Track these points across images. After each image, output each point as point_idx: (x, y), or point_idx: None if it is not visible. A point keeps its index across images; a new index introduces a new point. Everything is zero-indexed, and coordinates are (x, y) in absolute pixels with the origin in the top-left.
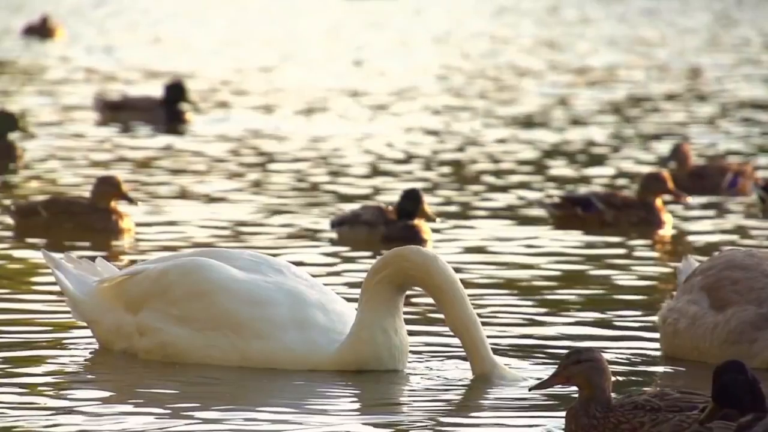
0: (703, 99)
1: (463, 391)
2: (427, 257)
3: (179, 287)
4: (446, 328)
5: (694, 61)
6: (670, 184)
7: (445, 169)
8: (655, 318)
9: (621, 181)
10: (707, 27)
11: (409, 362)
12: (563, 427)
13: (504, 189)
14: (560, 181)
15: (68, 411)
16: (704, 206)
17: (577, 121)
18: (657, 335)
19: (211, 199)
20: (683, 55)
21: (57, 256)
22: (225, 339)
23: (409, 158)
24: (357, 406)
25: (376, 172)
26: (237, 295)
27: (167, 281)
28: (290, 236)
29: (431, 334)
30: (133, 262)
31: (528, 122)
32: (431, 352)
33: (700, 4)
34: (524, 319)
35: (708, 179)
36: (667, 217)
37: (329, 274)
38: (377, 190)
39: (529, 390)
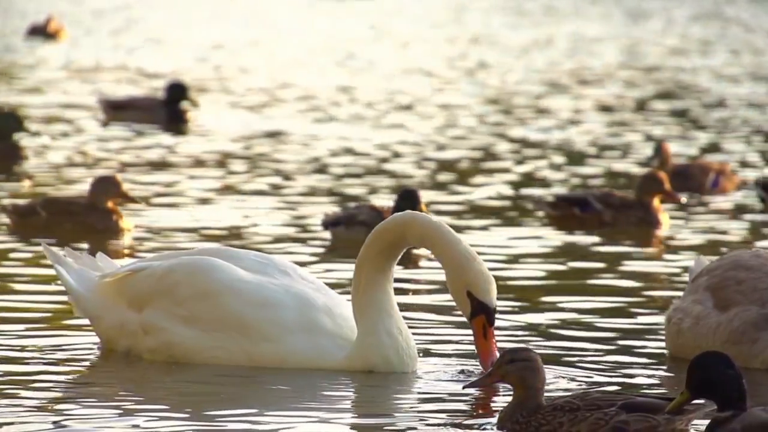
0: (680, 97)
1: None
2: (399, 217)
3: (185, 287)
4: (452, 328)
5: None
6: (667, 185)
7: (441, 170)
8: (655, 317)
9: (602, 181)
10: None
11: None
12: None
13: (501, 189)
14: (553, 180)
15: (69, 410)
16: (699, 206)
17: (567, 120)
18: (657, 334)
19: (208, 199)
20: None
21: (58, 250)
22: (232, 340)
23: (403, 158)
24: (362, 409)
25: (369, 171)
26: (245, 297)
27: (173, 280)
28: (286, 236)
29: (437, 333)
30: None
31: (523, 121)
32: (440, 352)
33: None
34: (523, 318)
35: (692, 179)
36: (664, 217)
37: (326, 273)
38: (371, 190)
39: (463, 388)
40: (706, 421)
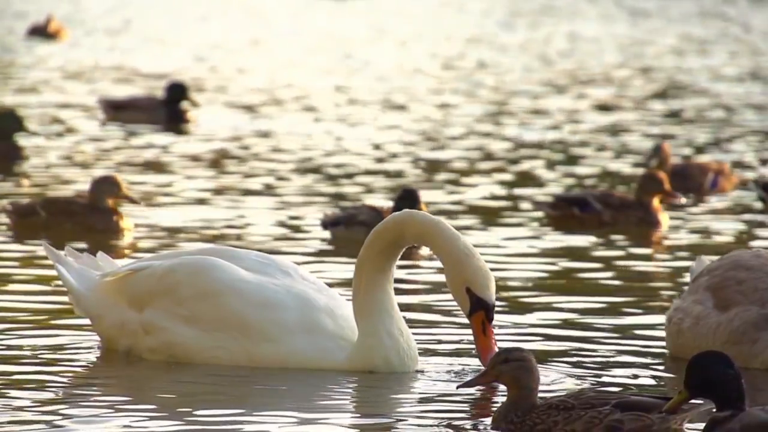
0: (681, 97)
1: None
2: (397, 216)
3: (187, 287)
4: (453, 328)
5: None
6: (667, 185)
7: (439, 170)
8: (655, 317)
9: (600, 180)
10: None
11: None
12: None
13: (499, 189)
14: (551, 180)
15: (69, 410)
16: (698, 206)
17: (565, 120)
18: (657, 334)
19: (207, 199)
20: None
21: (58, 250)
22: (233, 341)
23: (400, 158)
24: (362, 409)
25: (367, 171)
26: (246, 297)
27: (174, 280)
28: (284, 236)
29: (438, 333)
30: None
31: (521, 121)
32: (440, 351)
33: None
34: (522, 319)
35: (690, 179)
36: (664, 217)
37: (325, 274)
38: (369, 190)
39: (457, 388)
40: (703, 422)
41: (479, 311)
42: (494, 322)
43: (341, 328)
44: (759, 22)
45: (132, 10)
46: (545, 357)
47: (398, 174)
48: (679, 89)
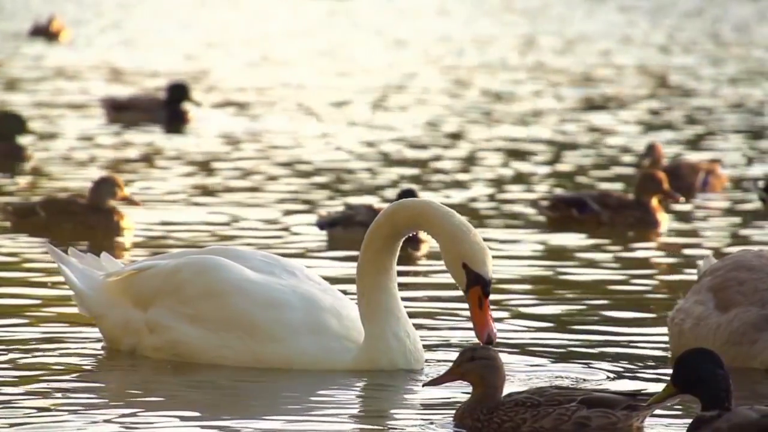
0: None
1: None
2: (387, 209)
3: (192, 286)
4: (458, 322)
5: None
6: (666, 185)
7: (436, 171)
8: (656, 317)
9: (595, 180)
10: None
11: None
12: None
13: (497, 190)
14: (548, 181)
15: (71, 411)
16: (694, 206)
17: (559, 120)
18: (658, 335)
19: (206, 199)
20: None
21: (61, 250)
22: (238, 340)
23: (398, 159)
24: (365, 409)
25: (364, 171)
26: (252, 297)
27: (179, 279)
28: (284, 236)
29: (442, 330)
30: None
31: (516, 121)
32: (445, 347)
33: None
34: (521, 321)
35: (682, 179)
36: (662, 217)
37: (324, 274)
38: (366, 190)
39: (423, 386)
40: (689, 420)
41: (476, 286)
42: (490, 295)
43: (347, 329)
44: (752, 21)
45: (133, 10)
46: (545, 358)
47: (394, 174)
48: (671, 88)
